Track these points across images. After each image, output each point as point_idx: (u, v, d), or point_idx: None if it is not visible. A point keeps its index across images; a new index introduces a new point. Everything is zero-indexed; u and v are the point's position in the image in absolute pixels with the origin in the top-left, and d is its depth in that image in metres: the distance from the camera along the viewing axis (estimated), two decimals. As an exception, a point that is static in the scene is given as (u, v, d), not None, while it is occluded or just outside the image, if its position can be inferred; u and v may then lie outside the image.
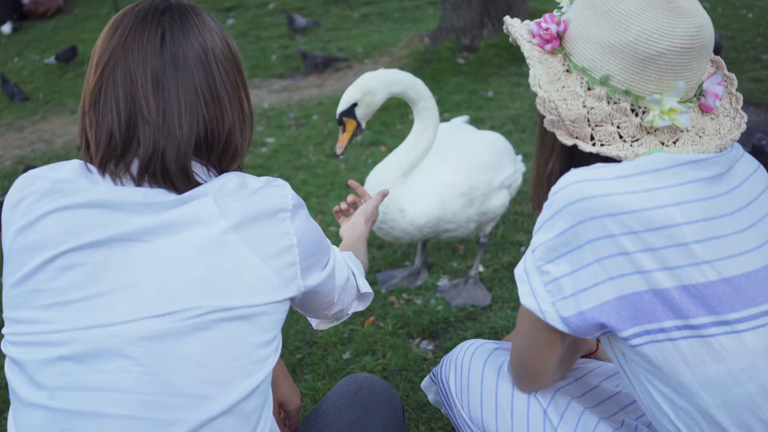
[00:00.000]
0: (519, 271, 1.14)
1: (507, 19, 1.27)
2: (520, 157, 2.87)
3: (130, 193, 1.08)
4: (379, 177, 2.45)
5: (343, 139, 2.40)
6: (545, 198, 1.11)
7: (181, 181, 1.12)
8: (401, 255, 3.09)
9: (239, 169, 1.27)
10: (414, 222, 2.43)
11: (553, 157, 1.20)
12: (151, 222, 1.06)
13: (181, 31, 1.14)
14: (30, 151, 5.17)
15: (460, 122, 3.03)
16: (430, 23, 6.77)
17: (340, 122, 2.40)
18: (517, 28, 1.23)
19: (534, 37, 1.19)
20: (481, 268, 2.89)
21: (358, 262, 1.54)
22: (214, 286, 1.06)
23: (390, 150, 4.20)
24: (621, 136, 1.13)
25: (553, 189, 1.08)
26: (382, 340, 2.50)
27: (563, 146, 1.17)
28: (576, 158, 1.16)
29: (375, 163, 4.05)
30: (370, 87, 2.37)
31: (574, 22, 1.16)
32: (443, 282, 2.86)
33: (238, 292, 1.08)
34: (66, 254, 1.05)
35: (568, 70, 1.16)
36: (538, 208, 1.22)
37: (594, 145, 1.13)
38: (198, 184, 1.12)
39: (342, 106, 2.37)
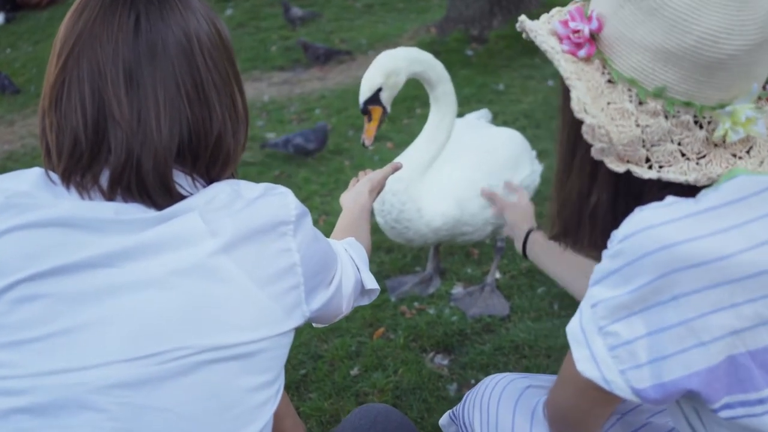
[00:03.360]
0: (573, 329, 0.93)
1: (525, 21, 1.02)
2: (534, 153, 2.68)
3: (99, 208, 0.92)
4: (400, 172, 2.24)
5: (371, 128, 2.19)
6: (588, 238, 0.92)
7: (160, 195, 0.95)
8: (411, 259, 2.90)
9: (233, 177, 1.08)
10: (430, 224, 2.24)
11: (597, 187, 0.97)
12: (124, 243, 0.89)
13: (159, 14, 0.96)
14: (20, 146, 5.00)
15: (475, 117, 2.83)
16: (437, 13, 6.57)
17: (365, 111, 2.19)
18: (542, 35, 0.98)
19: (561, 41, 0.96)
20: (498, 275, 2.69)
21: (361, 250, 1.37)
22: (201, 321, 0.90)
23: (397, 146, 4.01)
24: (683, 154, 0.92)
25: (620, 234, 0.88)
26: (393, 354, 2.32)
27: (611, 173, 0.95)
28: (624, 184, 0.95)
29: (381, 159, 3.86)
30: (394, 67, 2.17)
31: (613, 20, 0.93)
32: (457, 290, 2.67)
33: (231, 327, 0.92)
34: (23, 283, 0.89)
35: (610, 81, 0.94)
36: (572, 245, 1.01)
37: (651, 168, 0.92)
38: (181, 197, 0.95)
39: (366, 93, 2.17)
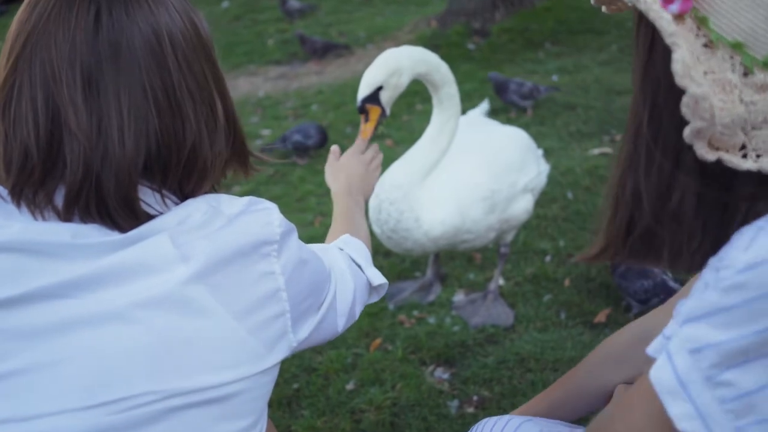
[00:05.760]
0: (666, 381, 0.75)
1: None
2: (541, 152, 2.55)
3: (54, 231, 0.81)
4: (399, 179, 2.11)
5: (367, 129, 2.02)
6: (668, 249, 0.76)
7: (123, 217, 0.84)
8: (410, 264, 2.78)
9: (214, 190, 0.97)
10: (429, 233, 2.12)
11: (679, 182, 0.79)
12: (83, 271, 0.79)
13: (123, 9, 0.85)
14: (9, 143, 4.86)
15: (477, 114, 2.71)
16: (437, 6, 6.44)
17: (362, 110, 2.03)
18: None
19: None
20: (501, 281, 2.57)
21: (360, 246, 1.24)
22: (170, 362, 0.80)
23: (396, 143, 3.88)
24: None
25: (740, 261, 0.71)
26: (391, 368, 2.20)
27: (696, 163, 0.77)
28: (710, 177, 0.77)
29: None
30: (397, 66, 2.00)
31: None
32: (459, 297, 2.55)
33: (204, 368, 0.82)
34: (-35, 318, 0.79)
35: (707, 45, 0.76)
36: (636, 259, 0.84)
37: (746, 157, 0.75)
38: (148, 217, 0.84)
39: (365, 90, 2.00)
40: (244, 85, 5.32)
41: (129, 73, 0.82)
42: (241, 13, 7.36)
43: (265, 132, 4.25)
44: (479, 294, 2.51)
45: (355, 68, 5.36)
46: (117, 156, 0.81)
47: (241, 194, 3.52)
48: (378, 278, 1.20)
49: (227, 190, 3.54)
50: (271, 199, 3.66)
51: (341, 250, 1.19)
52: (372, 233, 2.21)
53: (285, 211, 3.28)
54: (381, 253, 2.85)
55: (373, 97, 2.01)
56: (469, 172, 2.20)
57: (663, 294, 2.19)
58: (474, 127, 2.48)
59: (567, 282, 2.53)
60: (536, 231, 2.86)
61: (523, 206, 2.32)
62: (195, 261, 0.81)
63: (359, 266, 1.18)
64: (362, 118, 2.05)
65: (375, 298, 1.24)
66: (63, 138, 0.81)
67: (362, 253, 1.22)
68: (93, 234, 0.82)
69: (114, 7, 0.83)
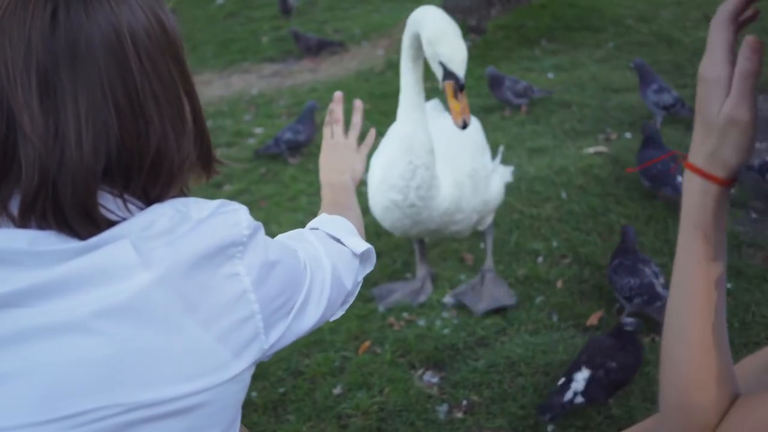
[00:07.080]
0: None
1: None
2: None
3: (9, 237, 0.78)
4: (429, 144, 2.03)
5: (466, 102, 1.84)
6: None
7: (81, 224, 0.79)
8: (402, 265, 2.74)
9: (183, 194, 0.93)
10: (440, 206, 2.13)
11: None
12: (39, 279, 0.76)
13: (82, 6, 0.81)
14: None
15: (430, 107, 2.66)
16: (434, 2, 6.36)
17: (462, 87, 1.85)
18: None
19: None
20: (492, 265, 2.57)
21: (338, 220, 1.17)
22: (131, 373, 0.76)
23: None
24: None
25: None
26: (379, 371, 2.16)
27: None
28: None
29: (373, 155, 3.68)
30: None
31: None
32: (459, 288, 2.51)
33: (167, 379, 0.78)
34: None
35: None
36: None
37: None
38: (110, 224, 0.80)
39: (462, 66, 1.84)
40: (238, 83, 5.27)
41: (87, 74, 0.78)
42: (236, 9, 7.30)
43: (258, 130, 4.20)
44: (476, 278, 2.49)
45: (349, 65, 5.32)
46: (74, 161, 0.78)
47: (232, 193, 3.48)
48: (360, 245, 1.12)
49: (217, 189, 3.50)
50: (263, 198, 3.59)
51: (315, 230, 1.12)
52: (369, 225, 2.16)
53: (276, 210, 3.25)
54: (372, 254, 2.81)
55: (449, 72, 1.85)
56: (451, 155, 2.21)
57: (647, 295, 2.15)
58: (438, 115, 2.52)
59: (559, 284, 2.49)
60: (529, 231, 2.82)
61: (496, 187, 2.40)
62: (157, 267, 0.77)
63: (338, 240, 1.10)
64: (461, 95, 1.84)
65: (369, 267, 1.17)
66: (18, 143, 0.77)
67: (339, 225, 1.15)
68: (51, 241, 0.78)
69: (72, 4, 0.79)
